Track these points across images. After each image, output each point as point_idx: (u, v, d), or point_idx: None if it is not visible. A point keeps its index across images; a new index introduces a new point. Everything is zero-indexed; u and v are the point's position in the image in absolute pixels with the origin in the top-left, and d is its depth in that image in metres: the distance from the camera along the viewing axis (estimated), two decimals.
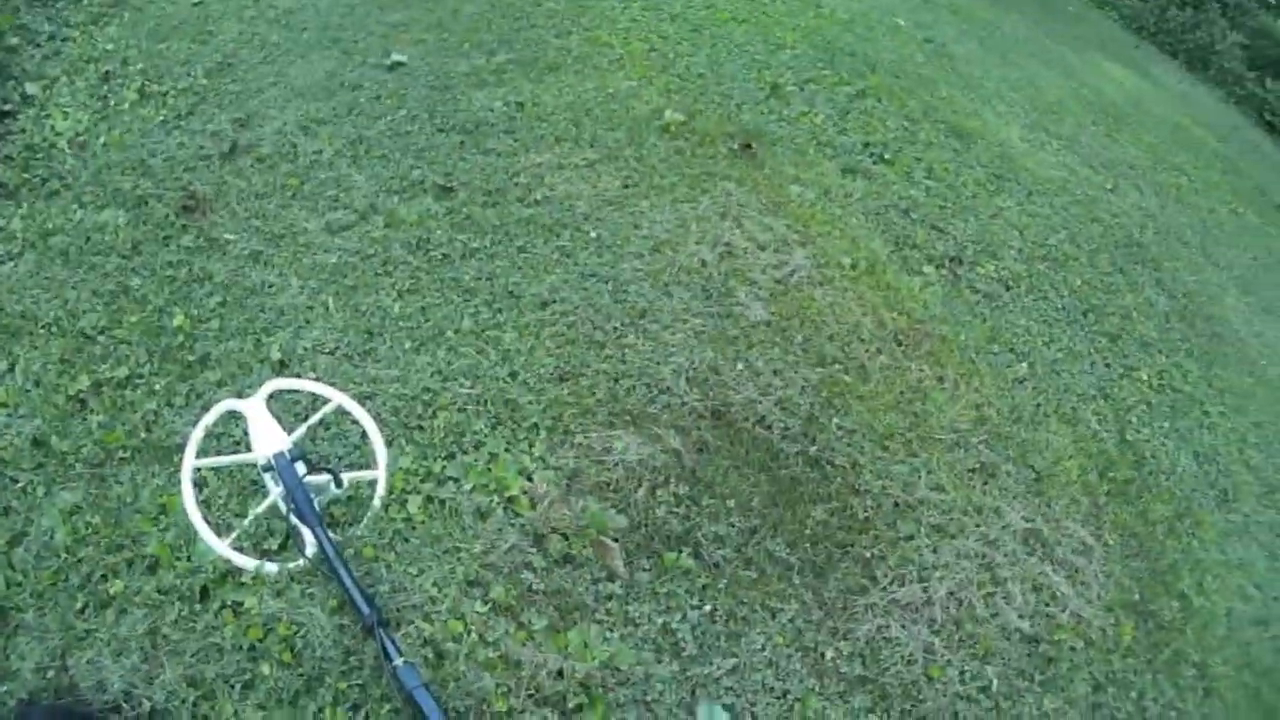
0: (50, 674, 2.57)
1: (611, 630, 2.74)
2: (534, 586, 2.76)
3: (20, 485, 2.95)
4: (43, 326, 3.46)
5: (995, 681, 3.01)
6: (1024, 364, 4.17)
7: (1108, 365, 4.47)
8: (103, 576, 2.73)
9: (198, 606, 2.65)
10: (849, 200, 4.62)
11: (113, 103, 4.77)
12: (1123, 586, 3.50)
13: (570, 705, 2.58)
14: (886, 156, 5.08)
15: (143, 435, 3.08)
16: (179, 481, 2.80)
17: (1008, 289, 4.57)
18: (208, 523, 2.72)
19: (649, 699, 2.65)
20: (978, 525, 3.37)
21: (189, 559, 2.73)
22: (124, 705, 2.50)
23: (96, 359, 3.33)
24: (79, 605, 2.68)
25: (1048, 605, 3.27)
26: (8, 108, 4.63)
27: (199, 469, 2.88)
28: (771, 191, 4.42)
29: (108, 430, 3.06)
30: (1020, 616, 3.19)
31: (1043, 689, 3.06)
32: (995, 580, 3.25)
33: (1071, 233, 5.30)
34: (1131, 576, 3.56)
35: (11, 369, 3.30)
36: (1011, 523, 3.43)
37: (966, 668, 3.01)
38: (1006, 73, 7.22)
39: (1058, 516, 3.58)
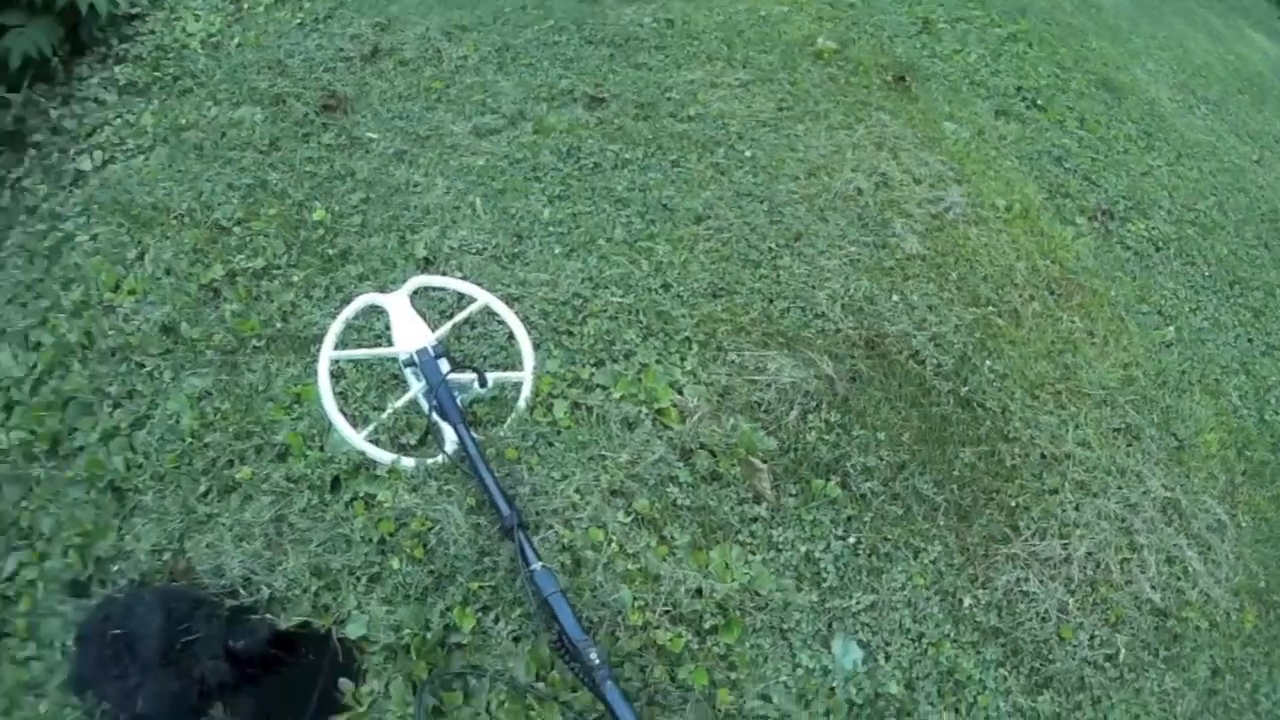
0: (166, 556, 2.49)
1: (754, 553, 2.60)
2: (678, 501, 2.63)
3: (147, 370, 2.87)
4: (175, 217, 3.37)
5: (1123, 651, 2.83)
6: (1171, 328, 3.93)
7: (1250, 340, 4.20)
8: (229, 462, 2.65)
9: (328, 497, 2.56)
10: (1002, 142, 4.38)
11: (246, 6, 4.67)
12: (1250, 571, 3.28)
13: (706, 625, 2.44)
14: (1039, 102, 4.83)
15: (278, 325, 2.98)
16: (315, 372, 2.70)
17: (1157, 249, 4.32)
18: (344, 414, 2.62)
19: (785, 627, 2.52)
20: (1119, 487, 3.18)
21: (321, 449, 2.63)
22: (241, 591, 2.41)
23: (231, 249, 3.23)
24: (202, 490, 2.61)
25: (1179, 580, 3.07)
26: (136, 10, 4.54)
27: (336, 361, 2.77)
28: (926, 126, 4.20)
29: (241, 319, 2.97)
30: (1152, 588, 3.00)
31: (1165, 665, 2.88)
32: (1132, 546, 3.06)
33: (1219, 200, 4.99)
34: (1260, 562, 3.34)
35: (141, 258, 3.22)
36: (1152, 489, 3.23)
37: (1097, 633, 2.84)
38: (1154, 30, 6.85)
39: (1196, 489, 3.36)
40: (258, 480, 2.61)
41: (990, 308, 3.44)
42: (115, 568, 2.53)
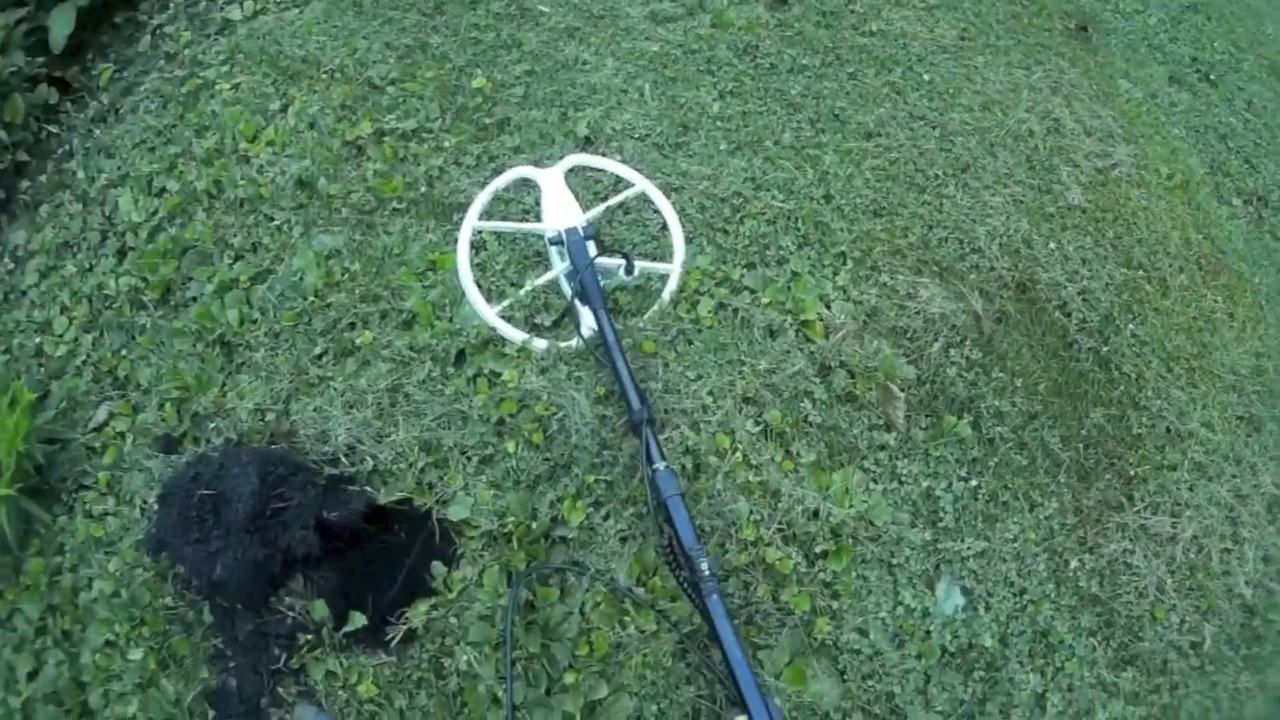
0: (269, 417, 2.33)
1: (875, 482, 2.39)
2: (810, 418, 2.41)
3: (276, 224, 2.69)
4: (325, 72, 3.13)
5: (1208, 641, 2.63)
6: None
7: None
8: (350, 325, 2.46)
9: (450, 370, 2.37)
10: (1173, 110, 3.99)
11: None
12: None
13: (817, 549, 2.26)
14: (1212, 77, 4.40)
15: (422, 189, 2.77)
16: (455, 240, 2.48)
17: None
18: (479, 287, 2.41)
19: (894, 562, 2.32)
20: (1233, 476, 2.92)
21: (450, 321, 2.43)
22: (344, 460, 2.25)
23: (382, 109, 2.99)
24: (317, 351, 2.43)
25: (1272, 581, 2.84)
26: None
27: (480, 231, 2.56)
28: (1102, 80, 3.83)
29: (384, 179, 2.76)
30: (1247, 583, 2.77)
31: (1244, 664, 2.68)
32: (1235, 538, 2.82)
33: None
34: None
35: (284, 110, 3.01)
36: (1263, 484, 2.97)
37: (1188, 619, 2.64)
38: None
39: None
40: (378, 346, 2.42)
41: (1141, 272, 3.15)
42: (212, 425, 2.38)
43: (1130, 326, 2.98)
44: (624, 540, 2.19)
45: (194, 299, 2.59)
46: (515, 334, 2.38)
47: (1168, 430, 2.86)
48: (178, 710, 2.18)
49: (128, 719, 2.21)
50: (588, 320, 2.33)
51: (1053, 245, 3.02)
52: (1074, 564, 2.53)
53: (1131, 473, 2.73)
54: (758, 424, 2.36)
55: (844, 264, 2.70)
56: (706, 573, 1.87)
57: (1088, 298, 2.96)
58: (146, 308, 2.60)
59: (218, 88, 3.14)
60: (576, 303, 2.34)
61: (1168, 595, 2.63)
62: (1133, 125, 3.68)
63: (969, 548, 2.40)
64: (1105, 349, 2.89)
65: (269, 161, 2.83)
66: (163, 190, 2.79)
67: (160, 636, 2.25)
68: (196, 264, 2.64)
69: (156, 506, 2.26)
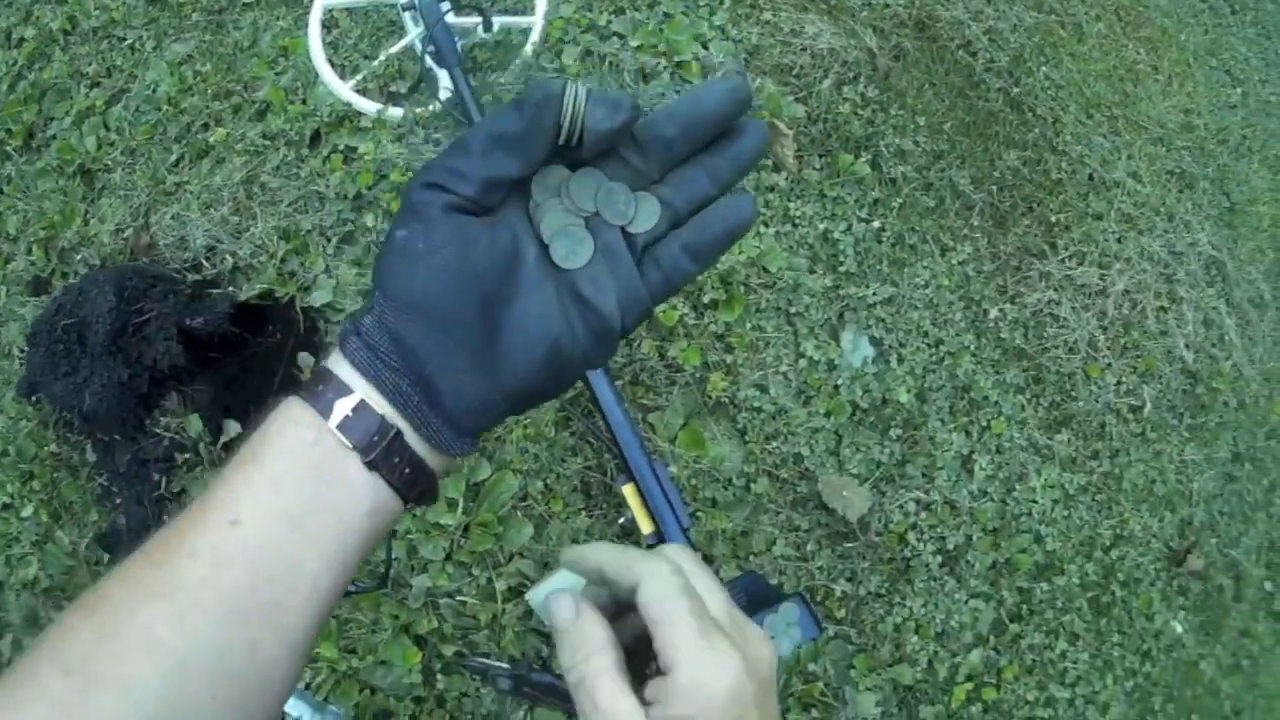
0: (128, 234, 2.20)
1: (766, 225, 2.22)
2: None
3: (128, 43, 2.54)
4: None
5: (1149, 406, 2.53)
6: (1238, 90, 3.49)
7: None
8: (204, 125, 2.33)
9: (305, 152, 2.23)
10: None
11: None
12: None
13: (705, 299, 2.10)
14: None
15: None
16: (306, 24, 2.30)
17: (1233, 12, 3.81)
18: (331, 65, 2.24)
19: (792, 310, 2.17)
20: (1166, 231, 2.79)
21: (304, 103, 2.29)
22: (204, 263, 2.13)
23: None
24: (173, 159, 2.30)
25: (1214, 346, 2.75)
26: None
27: (331, 9, 2.38)
28: None
29: None
30: (1187, 346, 2.66)
31: (1189, 435, 2.59)
32: (1172, 296, 2.70)
33: None
34: None
35: None
36: (1198, 243, 2.85)
37: (1124, 380, 2.53)
38: None
39: (1242, 258, 3.00)
40: (232, 141, 2.29)
41: (1053, 16, 2.99)
42: (78, 257, 2.26)
43: (1044, 69, 2.82)
44: None
45: (54, 137, 2.46)
46: (369, 106, 2.22)
47: (1090, 178, 2.73)
48: (75, 560, 2.05)
49: (30, 581, 2.08)
50: (445, 83, 2.16)
51: None
52: (994, 313, 2.40)
53: (1052, 219, 2.59)
54: None
55: (721, 3, 2.51)
56: None
57: (994, 38, 2.79)
58: (11, 157, 2.46)
59: None
60: (433, 65, 2.17)
61: (1101, 352, 2.52)
62: None
63: (875, 294, 2.25)
64: (1016, 90, 2.73)
65: None
66: (21, 40, 2.61)
67: (50, 487, 2.12)
68: (56, 102, 2.52)
69: (27, 348, 2.14)
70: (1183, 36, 3.39)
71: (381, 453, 0.49)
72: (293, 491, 0.48)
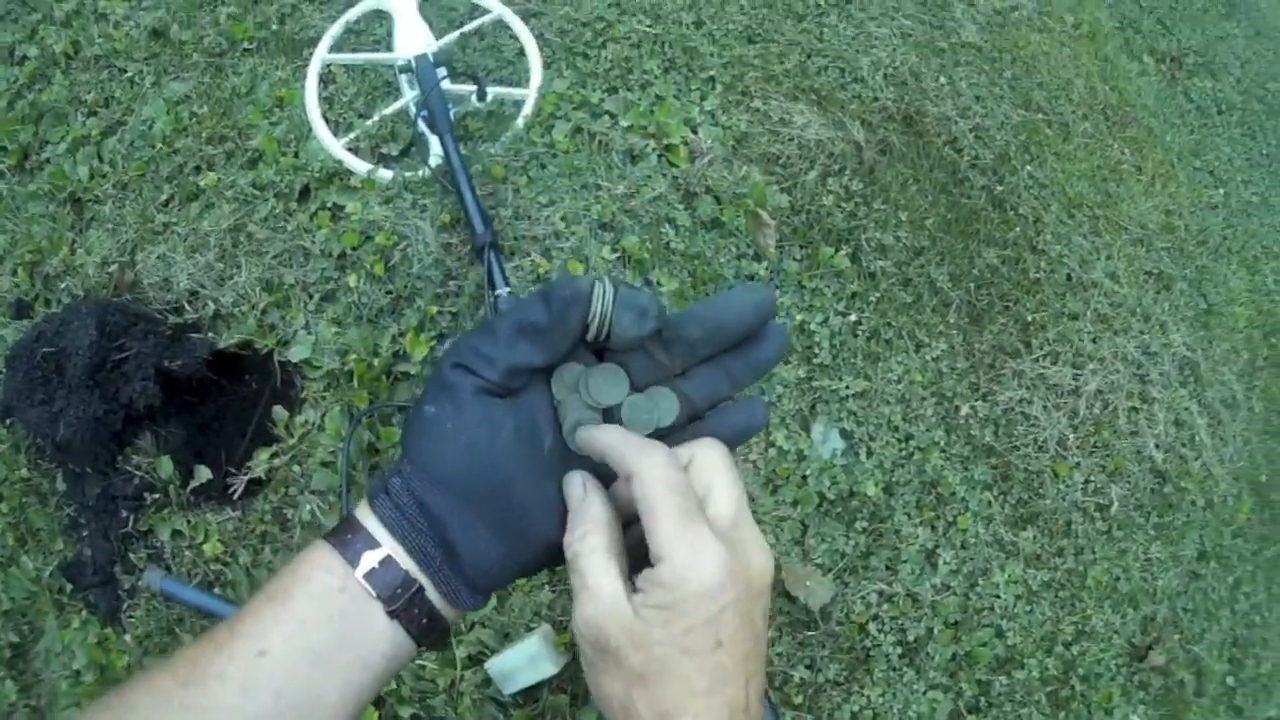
0: (113, 269, 2.21)
1: None
2: (672, 244, 2.28)
3: (128, 76, 2.55)
4: None
5: (1116, 504, 2.57)
6: (1221, 191, 3.58)
7: None
8: (196, 168, 2.34)
9: (293, 205, 2.26)
10: None
11: None
12: (1254, 460, 3.02)
13: None
14: None
15: (274, 27, 2.63)
16: (304, 76, 2.38)
17: (1220, 112, 3.91)
18: (326, 121, 2.32)
19: (766, 399, 2.21)
20: (1141, 332, 2.85)
21: (296, 156, 2.31)
22: (186, 306, 2.14)
23: None
24: (163, 197, 2.31)
25: (1184, 446, 2.79)
26: None
27: (329, 65, 2.46)
28: None
29: (236, 20, 2.62)
30: (1157, 446, 2.71)
31: (1155, 533, 2.63)
32: (1144, 397, 2.76)
33: None
34: (1265, 454, 3.08)
35: None
36: (1173, 343, 2.91)
37: (1093, 479, 2.57)
38: None
39: (1216, 359, 3.06)
40: (223, 187, 2.31)
41: (1040, 115, 3.06)
42: (63, 285, 2.27)
43: (1028, 168, 2.89)
44: None
45: (48, 160, 2.47)
46: (360, 165, 2.27)
47: (1068, 278, 2.79)
48: (38, 587, 2.06)
49: None
50: (436, 149, 2.22)
51: (943, 80, 2.91)
52: (965, 410, 2.45)
53: (1029, 318, 2.65)
54: (614, 250, 2.22)
55: (713, 89, 2.57)
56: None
57: (981, 135, 2.86)
58: (4, 175, 2.47)
59: None
60: (425, 130, 2.23)
61: (1070, 451, 2.57)
62: None
63: (848, 387, 2.30)
64: (1000, 188, 2.80)
65: (125, 15, 2.68)
66: (24, 59, 2.64)
67: (17, 511, 2.13)
68: (53, 126, 2.53)
69: (4, 371, 2.14)
70: (1168, 137, 3.48)
71: (403, 604, 0.54)
72: (318, 631, 0.52)
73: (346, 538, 0.55)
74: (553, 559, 0.58)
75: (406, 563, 0.55)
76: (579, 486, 0.56)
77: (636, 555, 0.54)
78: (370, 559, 0.54)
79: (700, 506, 0.52)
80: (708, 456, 0.55)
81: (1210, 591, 2.73)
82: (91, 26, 2.67)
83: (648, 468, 0.52)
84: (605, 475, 0.57)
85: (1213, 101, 3.91)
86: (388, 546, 0.54)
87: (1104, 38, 3.57)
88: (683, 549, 0.50)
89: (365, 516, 0.56)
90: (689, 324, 0.57)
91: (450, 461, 0.54)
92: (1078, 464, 2.56)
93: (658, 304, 0.54)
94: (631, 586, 0.52)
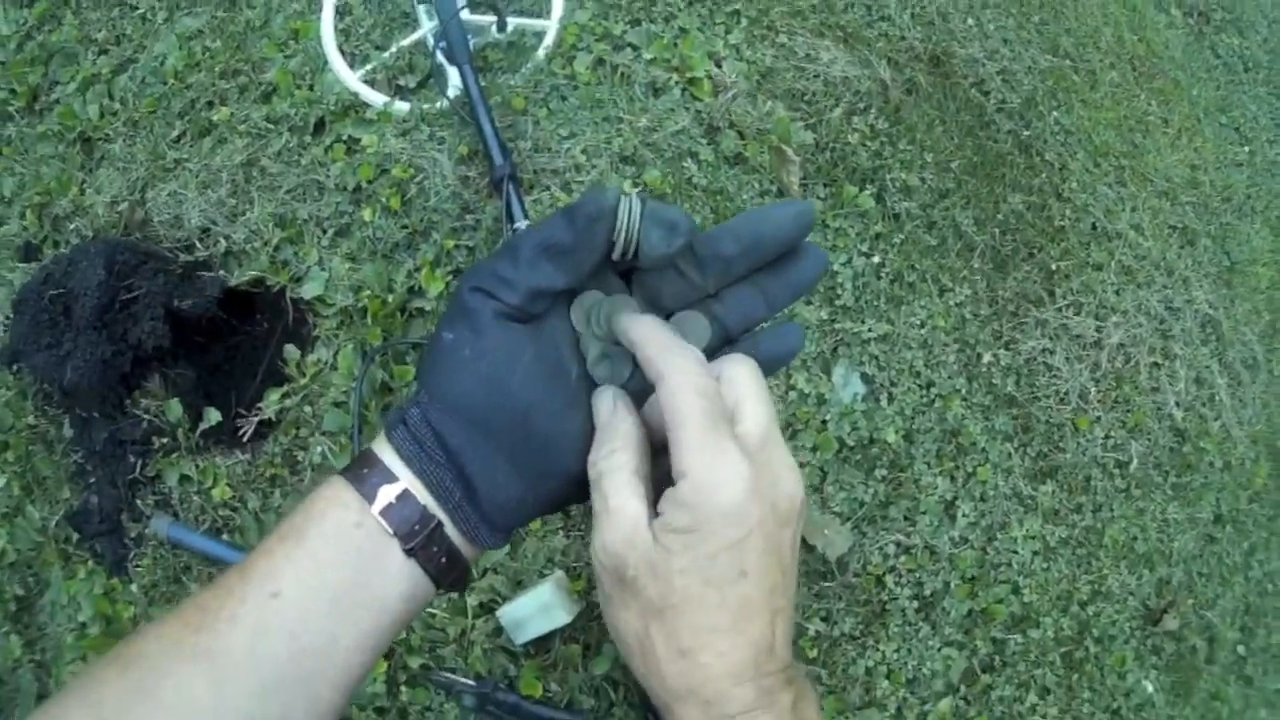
0: (123, 208, 2.16)
1: None
2: (694, 180, 2.22)
3: (140, 12, 2.49)
4: None
5: (1135, 462, 2.53)
6: (1246, 149, 3.52)
7: None
8: (208, 104, 2.29)
9: (308, 139, 2.20)
10: None
11: None
12: (1273, 424, 2.97)
13: None
14: None
15: None
16: (320, 7, 2.33)
17: (1246, 70, 3.85)
18: (342, 53, 2.27)
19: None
20: (1165, 286, 2.81)
21: (311, 89, 2.25)
22: (197, 244, 2.09)
23: None
24: (175, 134, 2.25)
25: (1204, 406, 2.75)
26: None
27: None
28: None
29: None
30: (1177, 404, 2.67)
31: (1173, 493, 2.60)
32: (1166, 354, 2.71)
33: None
34: None
35: None
36: (1195, 300, 2.86)
37: (1113, 434, 2.53)
38: None
39: (1238, 318, 3.01)
40: (235, 121, 2.25)
41: (1068, 61, 2.99)
42: (71, 226, 2.21)
43: (1055, 114, 2.83)
44: None
45: (57, 101, 2.42)
46: (376, 97, 2.22)
47: (1093, 227, 2.73)
48: (44, 537, 2.03)
49: None
50: (455, 80, 2.17)
51: (971, 21, 2.84)
52: (987, 358, 2.40)
53: (1053, 266, 2.60)
54: (636, 184, 2.17)
55: (738, 22, 2.50)
56: None
57: (1008, 79, 2.79)
58: (13, 118, 2.42)
59: None
60: (443, 61, 2.17)
61: (1091, 405, 2.52)
62: None
63: (870, 330, 2.25)
64: (1026, 133, 2.74)
65: None
66: (33, 0, 2.58)
67: (24, 459, 2.09)
68: (63, 66, 2.48)
69: (11, 315, 2.10)
70: (1194, 91, 3.42)
71: (421, 542, 0.51)
72: (333, 571, 0.50)
73: (362, 472, 0.52)
74: (576, 494, 0.54)
75: (425, 497, 0.52)
76: (609, 401, 0.53)
77: (663, 488, 0.50)
78: (387, 493, 0.51)
79: (729, 421, 0.49)
80: (738, 372, 0.51)
81: (1225, 556, 2.69)
82: None
83: (679, 371, 0.49)
84: (638, 397, 0.54)
85: (1239, 59, 3.85)
86: (405, 480, 0.52)
87: None
88: (706, 463, 0.47)
89: (382, 449, 0.53)
90: (725, 239, 0.53)
91: (468, 389, 0.51)
92: (1098, 418, 2.52)
93: (689, 219, 0.51)
94: (654, 514, 0.49)
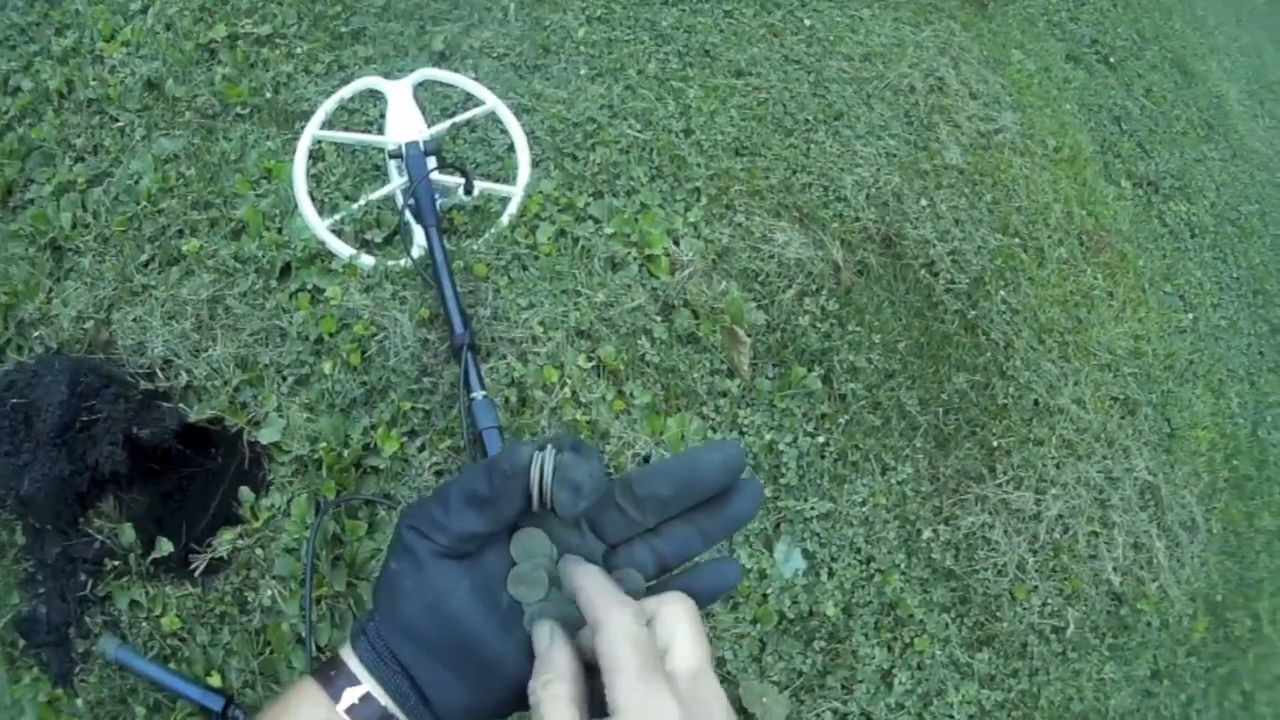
0: (89, 325, 2.19)
1: (714, 430, 2.29)
2: (647, 357, 2.31)
3: (119, 125, 2.55)
4: None
5: (1072, 627, 2.58)
6: (1190, 316, 3.64)
7: (1261, 354, 3.92)
8: (179, 232, 2.34)
9: (273, 283, 2.25)
10: (1066, 86, 4.01)
11: None
12: (1210, 581, 3.05)
13: None
14: (1111, 60, 4.45)
15: (268, 95, 2.65)
16: (294, 149, 2.38)
17: (1192, 235, 4.00)
18: (312, 198, 2.32)
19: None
20: (1104, 457, 2.89)
21: (280, 232, 2.32)
22: (159, 374, 2.12)
23: (240, 12, 2.85)
24: (144, 258, 2.30)
25: (1142, 569, 2.82)
26: None
27: (320, 141, 2.46)
28: (994, 48, 3.82)
29: (231, 83, 2.64)
30: (1115, 570, 2.74)
31: (1109, 653, 2.65)
32: (1104, 521, 2.79)
33: (1264, 210, 4.66)
34: (1221, 574, 3.11)
35: (145, 10, 2.85)
36: (1135, 468, 2.95)
37: (1050, 602, 2.59)
38: (1238, 33, 6.45)
39: (1177, 482, 3.10)
40: (204, 255, 2.30)
41: (1017, 239, 3.12)
42: (36, 334, 2.23)
43: (1002, 293, 2.94)
44: (438, 474, 2.06)
45: (32, 201, 2.45)
46: (343, 249, 2.26)
47: (1035, 403, 2.83)
48: None
49: None
50: (419, 240, 2.23)
51: (924, 202, 2.97)
52: (927, 534, 2.47)
53: (994, 443, 2.68)
54: (590, 359, 2.25)
55: (697, 200, 2.61)
56: None
57: (958, 259, 2.91)
58: None
59: None
60: (409, 219, 2.24)
61: (1029, 575, 2.59)
62: (1022, 94, 3.67)
63: (813, 508, 2.32)
64: (973, 313, 2.84)
65: (121, 62, 2.69)
66: (17, 89, 2.65)
67: None
68: (40, 165, 2.51)
69: None
70: (1141, 261, 3.55)
71: None
72: None
73: (330, 674, 0.59)
74: (523, 703, 0.59)
75: (385, 700, 0.58)
76: (546, 635, 0.57)
77: (600, 705, 0.53)
78: (351, 695, 0.58)
79: (661, 662, 0.53)
80: (673, 612, 0.55)
81: (1162, 709, 2.73)
82: (87, 68, 2.67)
83: (614, 623, 0.53)
84: (572, 623, 0.59)
85: (1186, 225, 3.99)
86: (367, 684, 0.58)
87: (1084, 161, 3.65)
88: (637, 703, 0.49)
89: (347, 655, 0.60)
90: (660, 481, 0.59)
91: (411, 617, 0.58)
92: (1035, 587, 2.58)
93: (595, 478, 0.57)
94: None
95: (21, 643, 2.01)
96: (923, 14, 3.70)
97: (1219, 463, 3.34)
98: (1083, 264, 3.29)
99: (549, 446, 0.57)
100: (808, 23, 3.35)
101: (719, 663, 2.12)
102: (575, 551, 0.61)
